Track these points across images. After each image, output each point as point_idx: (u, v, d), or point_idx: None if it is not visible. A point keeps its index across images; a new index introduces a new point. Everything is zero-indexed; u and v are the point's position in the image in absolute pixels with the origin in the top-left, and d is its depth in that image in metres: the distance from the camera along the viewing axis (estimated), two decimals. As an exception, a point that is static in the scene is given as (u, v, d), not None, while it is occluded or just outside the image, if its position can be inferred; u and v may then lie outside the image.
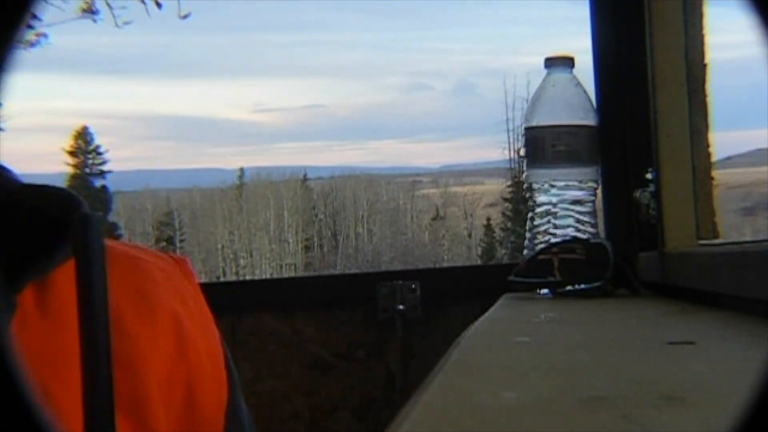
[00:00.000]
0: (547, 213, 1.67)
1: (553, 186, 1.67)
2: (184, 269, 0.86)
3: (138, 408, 0.76)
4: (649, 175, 1.52)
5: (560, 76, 1.69)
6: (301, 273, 29.12)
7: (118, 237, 21.62)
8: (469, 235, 31.87)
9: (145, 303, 0.79)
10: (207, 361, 0.83)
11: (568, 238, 1.62)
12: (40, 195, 0.76)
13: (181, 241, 32.12)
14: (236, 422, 0.85)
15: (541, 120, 1.68)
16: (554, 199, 1.66)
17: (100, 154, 30.38)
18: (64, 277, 0.69)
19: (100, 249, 0.54)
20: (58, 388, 0.71)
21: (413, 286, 1.82)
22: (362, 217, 32.35)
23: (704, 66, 1.54)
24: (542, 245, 1.62)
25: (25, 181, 0.78)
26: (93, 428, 0.54)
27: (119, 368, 0.73)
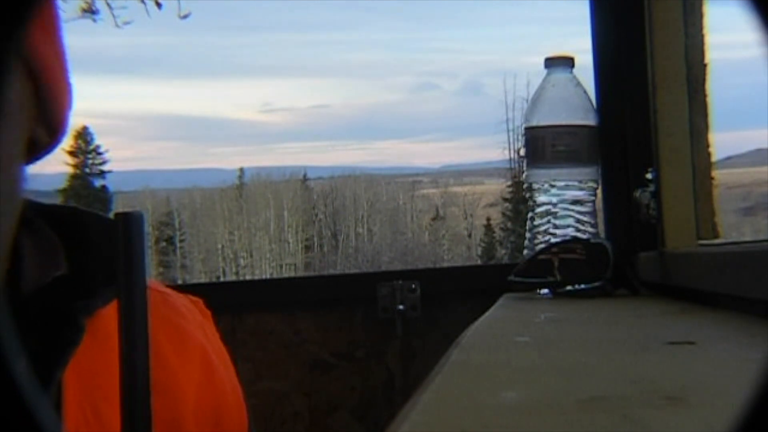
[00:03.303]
0: (547, 213, 1.67)
1: (553, 186, 1.67)
2: (201, 308, 0.91)
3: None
4: (649, 175, 1.52)
5: (560, 76, 1.69)
6: (301, 273, 29.13)
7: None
8: (469, 235, 31.88)
9: (176, 333, 0.83)
10: (230, 392, 0.87)
11: (568, 238, 1.62)
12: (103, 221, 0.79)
13: (181, 241, 32.13)
14: None
15: (541, 120, 1.68)
16: (554, 199, 1.66)
17: (100, 154, 30.40)
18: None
19: (141, 244, 0.55)
20: (107, 409, 0.73)
21: (413, 286, 1.82)
22: (362, 217, 32.36)
23: (704, 66, 1.54)
24: (542, 245, 1.62)
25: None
26: None
27: (158, 393, 0.77)
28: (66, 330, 0.72)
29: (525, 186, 1.73)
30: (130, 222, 0.55)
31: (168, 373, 0.80)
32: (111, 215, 0.76)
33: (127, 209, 0.69)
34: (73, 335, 0.72)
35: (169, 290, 0.88)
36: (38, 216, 0.78)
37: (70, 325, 0.73)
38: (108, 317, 0.76)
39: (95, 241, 0.78)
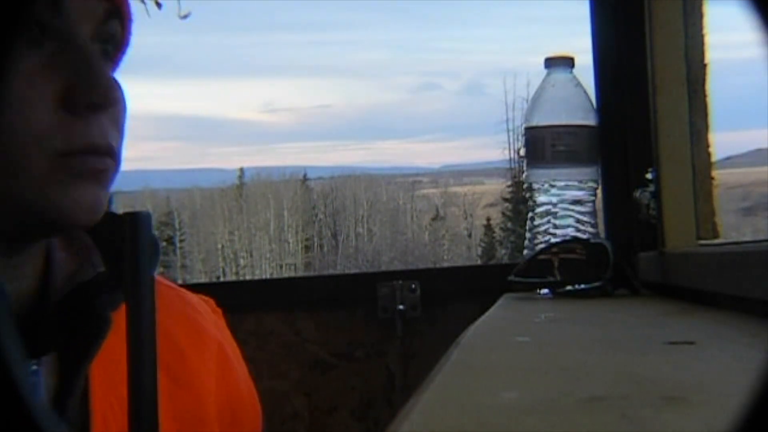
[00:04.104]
0: (547, 213, 1.67)
1: (553, 186, 1.67)
2: (212, 307, 0.92)
3: (200, 426, 0.80)
4: (649, 175, 1.52)
5: (560, 76, 1.69)
6: (301, 273, 29.13)
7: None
8: (469, 235, 31.88)
9: (193, 328, 0.85)
10: (244, 387, 0.89)
11: (568, 238, 1.62)
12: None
13: (181, 241, 32.12)
14: None
15: (541, 120, 1.68)
16: (554, 199, 1.66)
17: (100, 154, 30.31)
18: None
19: (148, 242, 0.55)
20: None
21: (413, 286, 1.82)
22: (362, 217, 32.36)
23: (704, 66, 1.54)
24: (542, 245, 1.62)
25: None
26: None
27: (181, 388, 0.78)
28: (93, 324, 0.73)
29: (525, 186, 1.73)
30: (138, 222, 0.55)
31: (188, 368, 0.81)
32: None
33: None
34: (100, 329, 0.73)
35: (182, 288, 0.89)
36: None
37: (98, 318, 0.74)
38: None
39: (122, 237, 0.80)
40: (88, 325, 0.73)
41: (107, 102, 0.70)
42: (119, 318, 0.75)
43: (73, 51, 0.70)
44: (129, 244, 0.55)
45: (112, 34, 0.75)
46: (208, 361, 0.84)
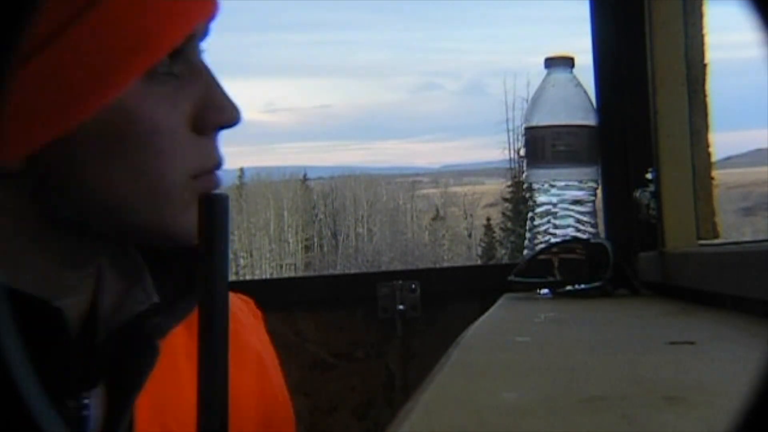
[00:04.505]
0: (547, 213, 1.67)
1: (553, 186, 1.66)
2: (252, 308, 0.90)
3: None
4: (649, 175, 1.52)
5: (560, 76, 1.69)
6: (301, 273, 29.11)
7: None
8: (469, 235, 31.87)
9: (235, 343, 0.82)
10: (280, 398, 0.88)
11: (568, 238, 1.62)
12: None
13: (181, 241, 32.03)
14: None
15: (541, 120, 1.68)
16: (554, 199, 1.66)
17: (100, 154, 30.32)
18: None
19: (225, 226, 0.51)
20: (176, 428, 0.72)
21: (413, 286, 1.82)
22: (362, 217, 32.35)
23: (704, 66, 1.54)
24: (542, 245, 1.62)
25: None
26: None
27: None
28: (142, 353, 0.71)
29: (525, 186, 1.73)
30: (214, 204, 0.50)
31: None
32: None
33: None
34: (150, 358, 0.71)
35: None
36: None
37: (147, 347, 0.71)
38: (172, 333, 0.75)
39: (170, 256, 0.77)
40: (138, 355, 0.71)
41: (235, 122, 0.72)
42: (167, 342, 0.74)
43: (199, 73, 0.71)
44: (204, 232, 0.50)
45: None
46: (246, 376, 0.81)
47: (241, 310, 0.87)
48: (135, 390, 0.70)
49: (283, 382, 0.90)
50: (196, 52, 0.71)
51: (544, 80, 1.70)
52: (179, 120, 0.69)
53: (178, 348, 0.75)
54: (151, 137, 0.67)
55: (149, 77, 0.66)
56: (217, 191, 0.69)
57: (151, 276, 0.75)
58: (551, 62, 1.70)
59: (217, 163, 0.72)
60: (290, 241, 31.51)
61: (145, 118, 0.66)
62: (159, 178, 0.68)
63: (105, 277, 0.73)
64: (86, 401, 0.69)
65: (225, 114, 0.71)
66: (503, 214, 28.29)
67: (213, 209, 0.49)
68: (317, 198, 33.45)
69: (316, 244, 31.78)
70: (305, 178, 33.91)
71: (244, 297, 0.90)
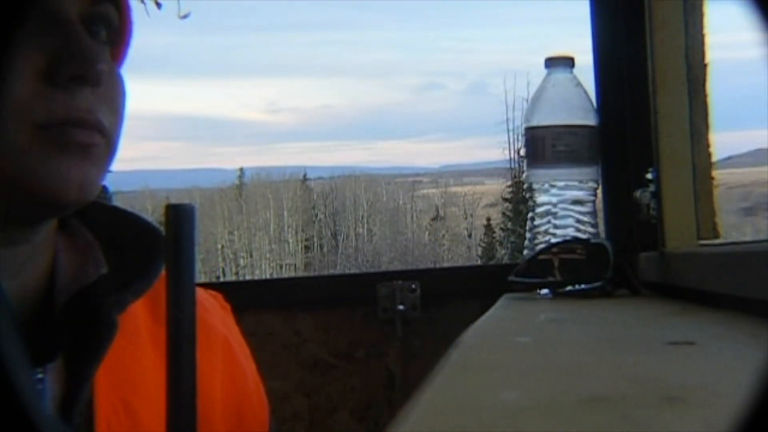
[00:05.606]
0: (547, 213, 1.67)
1: (553, 186, 1.66)
2: (220, 302, 0.91)
3: (204, 426, 0.79)
4: (649, 175, 1.52)
5: (560, 76, 1.69)
6: (301, 273, 29.12)
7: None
8: (469, 235, 31.88)
9: (201, 327, 0.83)
10: (252, 385, 0.88)
11: (568, 238, 1.62)
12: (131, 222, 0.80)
13: (181, 241, 32.02)
14: None
15: (541, 120, 1.68)
16: (554, 199, 1.66)
17: (100, 154, 30.31)
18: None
19: (190, 236, 0.53)
20: (136, 403, 0.73)
21: (413, 286, 1.82)
22: (362, 217, 32.35)
23: (704, 66, 1.54)
24: (542, 245, 1.62)
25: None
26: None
27: None
28: (100, 327, 0.72)
29: (525, 186, 1.73)
30: (181, 216, 0.52)
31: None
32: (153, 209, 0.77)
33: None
34: (108, 332, 0.72)
35: None
36: (73, 216, 0.78)
37: (104, 322, 0.72)
38: (135, 312, 0.76)
39: (127, 236, 0.78)
40: (95, 330, 0.72)
41: (92, 74, 0.69)
42: (124, 320, 0.74)
43: (57, 26, 0.69)
44: (170, 243, 0.52)
45: (104, 16, 0.74)
46: (213, 359, 0.83)
47: (207, 300, 0.88)
48: (92, 365, 0.71)
49: (255, 369, 0.90)
50: (59, 7, 0.70)
51: (544, 80, 1.71)
52: (26, 68, 0.67)
53: (141, 330, 0.75)
54: None
55: None
56: (183, 203, 0.68)
57: (111, 255, 0.77)
58: (551, 62, 1.70)
59: (72, 116, 0.68)
60: (290, 241, 31.51)
61: None
62: (1, 128, 0.66)
63: (60, 257, 0.75)
64: (41, 375, 0.69)
65: (79, 64, 0.68)
66: (503, 214, 28.29)
67: (178, 218, 0.51)
68: (317, 198, 33.46)
69: (316, 244, 31.79)
70: (305, 178, 33.92)
71: (213, 292, 0.91)
